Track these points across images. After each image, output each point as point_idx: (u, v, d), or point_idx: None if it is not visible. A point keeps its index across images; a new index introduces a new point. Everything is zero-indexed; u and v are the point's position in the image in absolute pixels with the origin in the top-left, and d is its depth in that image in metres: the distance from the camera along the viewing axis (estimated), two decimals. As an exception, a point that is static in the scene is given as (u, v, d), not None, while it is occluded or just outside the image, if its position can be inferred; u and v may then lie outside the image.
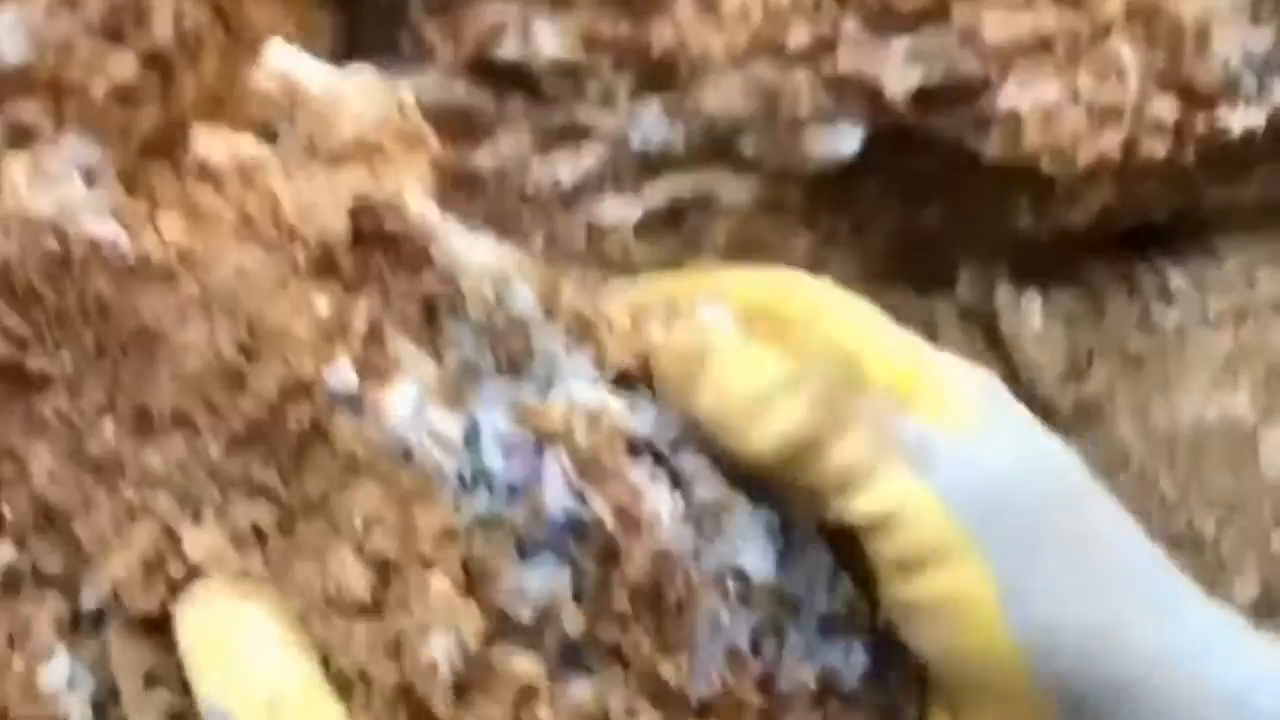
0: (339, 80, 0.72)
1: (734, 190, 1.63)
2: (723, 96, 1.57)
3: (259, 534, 0.63)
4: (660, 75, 1.57)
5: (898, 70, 1.69)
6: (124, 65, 1.52)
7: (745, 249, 1.24)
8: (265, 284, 0.65)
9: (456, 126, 1.67)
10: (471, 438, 0.61)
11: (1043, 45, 1.62)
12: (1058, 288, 1.44)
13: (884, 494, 0.56)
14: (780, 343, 0.57)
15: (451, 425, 0.62)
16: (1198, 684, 0.58)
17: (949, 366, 0.57)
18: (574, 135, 1.56)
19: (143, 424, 0.63)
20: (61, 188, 0.65)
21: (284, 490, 0.63)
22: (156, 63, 1.53)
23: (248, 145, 0.71)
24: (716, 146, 1.60)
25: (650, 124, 1.57)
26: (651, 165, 1.56)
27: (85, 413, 0.65)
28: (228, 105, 1.54)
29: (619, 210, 1.41)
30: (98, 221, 0.65)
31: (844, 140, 1.71)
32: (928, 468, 0.55)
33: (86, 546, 0.63)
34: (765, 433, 0.56)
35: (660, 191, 1.58)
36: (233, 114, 1.52)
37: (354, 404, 0.62)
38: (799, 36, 1.73)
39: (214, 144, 0.70)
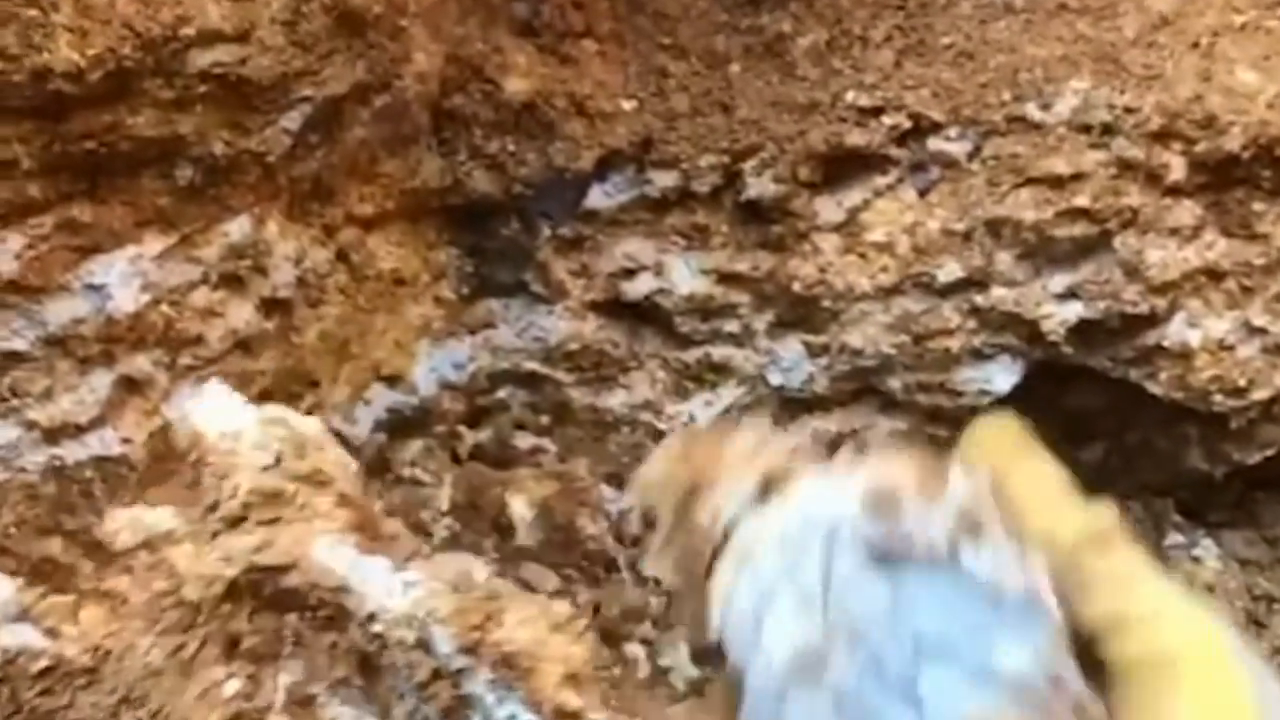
0: (241, 423, 0.67)
1: (882, 429, 1.55)
2: (868, 332, 1.51)
3: None
4: (801, 311, 1.52)
5: (1056, 304, 1.62)
6: (242, 312, 1.50)
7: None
8: (171, 676, 0.61)
9: (586, 365, 1.63)
10: None
11: (1212, 277, 1.54)
12: (1231, 530, 1.37)
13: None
14: None
15: None
16: None
17: None
18: (710, 373, 1.50)
19: None
20: None
21: None
22: (276, 309, 1.51)
23: (157, 518, 0.67)
24: (862, 384, 1.53)
25: (791, 361, 1.52)
26: (792, 403, 1.50)
27: None
28: (352, 351, 1.51)
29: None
30: (15, 628, 0.62)
31: (999, 376, 1.64)
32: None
33: None
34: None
35: (804, 431, 1.50)
36: (358, 360, 1.49)
37: None
38: (950, 270, 1.67)
39: (121, 522, 0.67)
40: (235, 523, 0.69)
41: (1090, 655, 0.59)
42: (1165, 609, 0.59)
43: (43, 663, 0.68)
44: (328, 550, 0.68)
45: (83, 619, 0.70)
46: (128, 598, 0.69)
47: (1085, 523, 0.61)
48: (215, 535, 0.69)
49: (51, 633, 0.69)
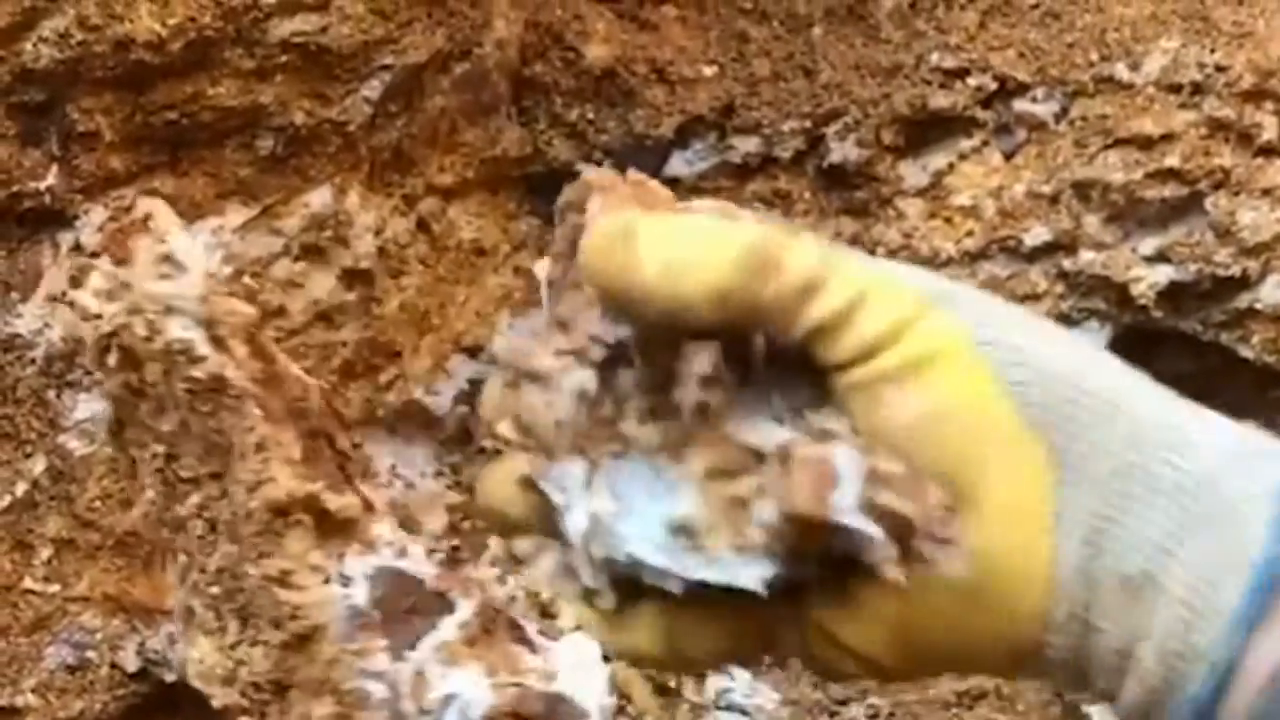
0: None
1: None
2: (955, 298, 1.48)
3: None
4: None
5: (1146, 267, 1.60)
6: (324, 283, 1.49)
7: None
8: None
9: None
10: None
11: (1306, 238, 1.51)
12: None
13: (846, 283, 0.53)
14: None
15: None
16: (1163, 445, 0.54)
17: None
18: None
19: None
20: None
21: None
22: (357, 280, 1.50)
23: None
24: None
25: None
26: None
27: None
28: (432, 322, 1.50)
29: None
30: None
31: (1087, 340, 1.61)
32: (879, 261, 0.56)
33: None
34: (700, 282, 0.53)
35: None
36: (438, 331, 1.48)
37: None
38: (1037, 233, 1.64)
39: None
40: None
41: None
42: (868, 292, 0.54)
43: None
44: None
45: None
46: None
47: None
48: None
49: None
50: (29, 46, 1.24)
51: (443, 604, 1.11)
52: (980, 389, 0.53)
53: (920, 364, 0.53)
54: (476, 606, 1.11)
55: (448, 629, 1.09)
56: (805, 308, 0.52)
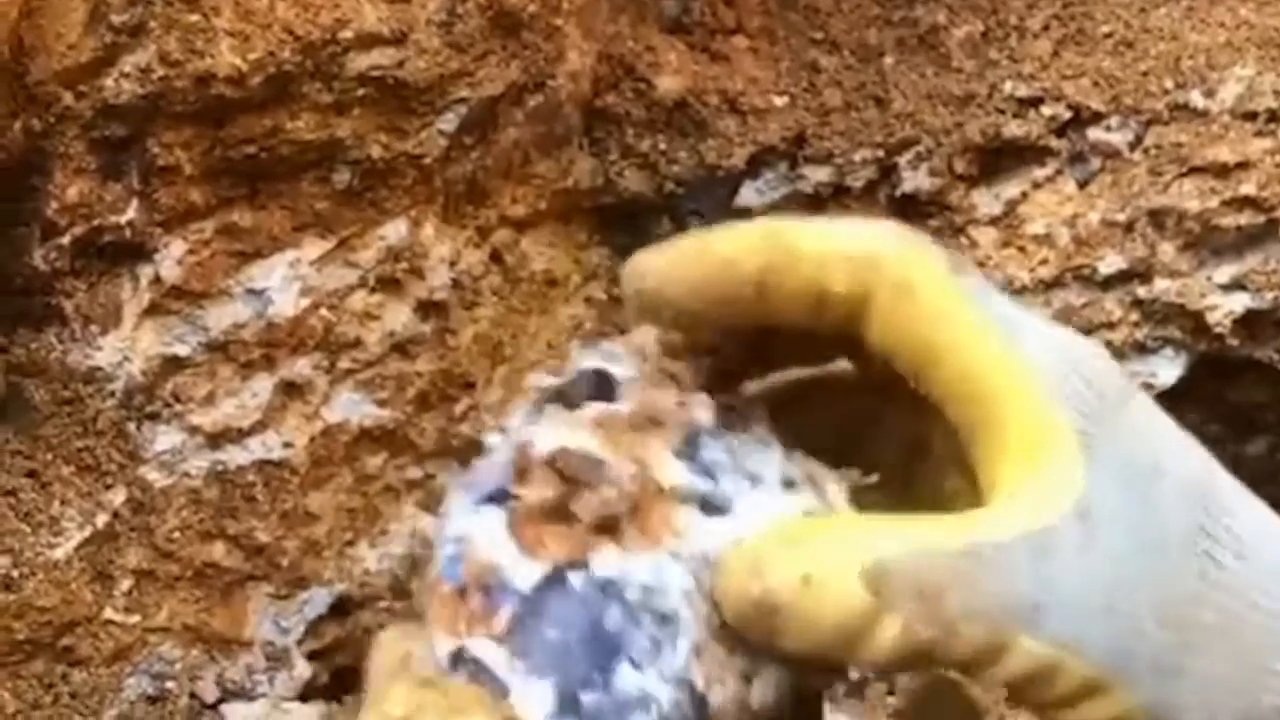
0: None
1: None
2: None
3: None
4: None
5: (1222, 295, 1.59)
6: (400, 315, 1.50)
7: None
8: None
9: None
10: None
11: (1383, 265, 1.50)
12: None
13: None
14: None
15: None
16: None
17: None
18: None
19: None
20: None
21: None
22: (432, 311, 1.51)
23: None
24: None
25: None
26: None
27: None
28: (505, 353, 1.51)
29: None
30: None
31: (1163, 369, 1.60)
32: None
33: None
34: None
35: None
36: (511, 362, 1.49)
37: None
38: (1111, 262, 1.64)
39: None
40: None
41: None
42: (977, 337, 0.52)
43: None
44: None
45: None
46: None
47: None
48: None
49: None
50: (110, 82, 1.25)
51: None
52: None
53: None
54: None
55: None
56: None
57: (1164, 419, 0.53)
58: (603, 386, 0.53)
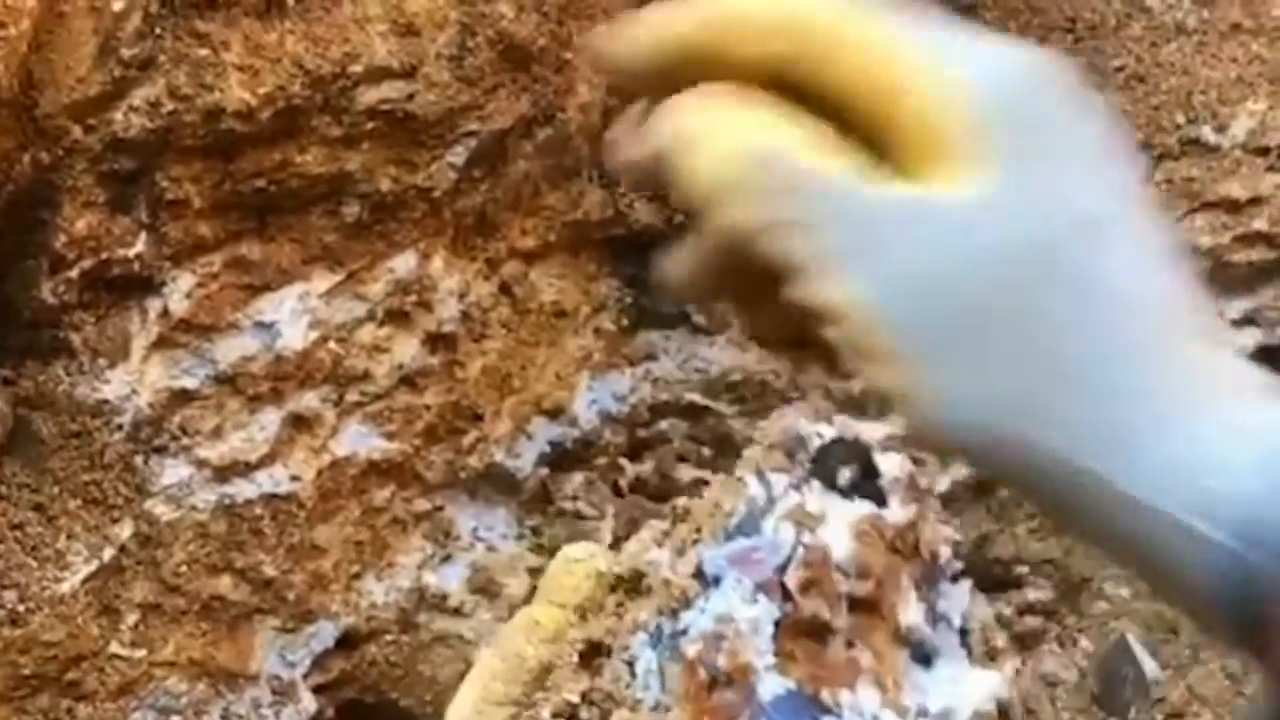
0: None
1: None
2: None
3: None
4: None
5: (1234, 330, 1.58)
6: (408, 348, 1.50)
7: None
8: None
9: (749, 396, 1.61)
10: None
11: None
12: None
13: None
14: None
15: None
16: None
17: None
18: (875, 402, 1.48)
19: None
20: None
21: None
22: (441, 343, 1.50)
23: None
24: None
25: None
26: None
27: None
28: (514, 384, 1.50)
29: (925, 480, 1.33)
30: None
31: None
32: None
33: None
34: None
35: (967, 467, 1.48)
36: (520, 393, 1.48)
37: None
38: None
39: None
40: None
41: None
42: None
43: None
44: None
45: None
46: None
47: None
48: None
49: None
50: (119, 115, 1.25)
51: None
52: None
53: None
54: None
55: None
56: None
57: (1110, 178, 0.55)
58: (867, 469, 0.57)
